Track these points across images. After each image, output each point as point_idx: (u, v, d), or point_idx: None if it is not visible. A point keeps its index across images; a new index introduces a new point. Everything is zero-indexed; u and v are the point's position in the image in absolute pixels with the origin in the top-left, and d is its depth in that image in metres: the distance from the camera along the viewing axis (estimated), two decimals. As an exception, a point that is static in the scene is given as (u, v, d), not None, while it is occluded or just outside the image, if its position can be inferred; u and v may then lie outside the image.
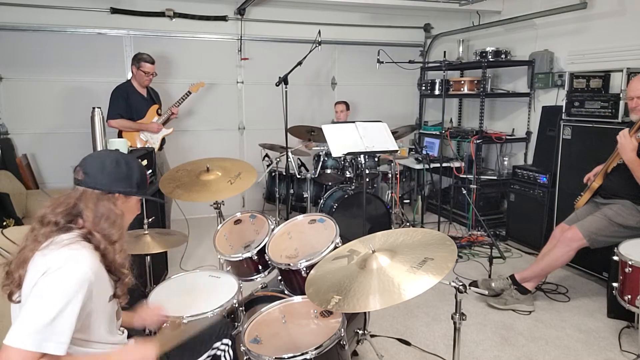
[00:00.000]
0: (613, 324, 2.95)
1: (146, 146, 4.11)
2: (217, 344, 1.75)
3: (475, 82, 4.95)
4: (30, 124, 4.77)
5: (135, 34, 4.97)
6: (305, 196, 4.59)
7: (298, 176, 4.60)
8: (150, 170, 3.45)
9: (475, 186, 4.73)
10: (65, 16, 4.71)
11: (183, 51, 5.17)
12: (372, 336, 2.57)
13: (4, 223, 3.26)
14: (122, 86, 4.18)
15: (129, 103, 4.13)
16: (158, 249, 2.27)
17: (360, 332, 2.28)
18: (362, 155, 3.52)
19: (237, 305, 2.04)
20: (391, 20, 5.85)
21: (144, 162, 3.35)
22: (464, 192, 4.15)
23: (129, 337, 1.60)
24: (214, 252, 2.47)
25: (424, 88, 5.69)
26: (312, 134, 4.62)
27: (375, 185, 4.75)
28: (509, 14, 5.08)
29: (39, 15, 4.62)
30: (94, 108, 3.08)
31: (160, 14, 5.00)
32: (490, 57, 4.81)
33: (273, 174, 4.76)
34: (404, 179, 5.59)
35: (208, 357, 1.71)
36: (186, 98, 4.50)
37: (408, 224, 4.92)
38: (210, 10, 5.15)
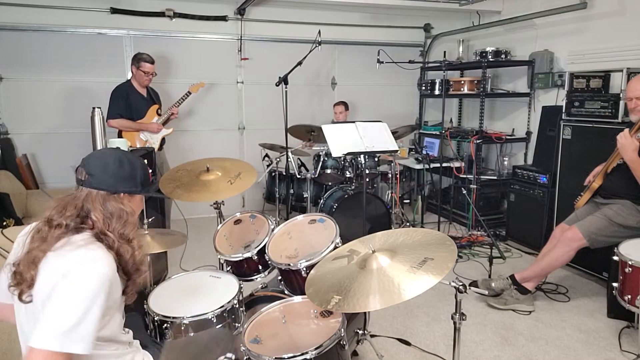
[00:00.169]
0: (613, 324, 2.95)
1: (146, 146, 4.11)
2: (221, 358, 1.75)
3: (475, 82, 4.95)
4: (30, 124, 4.77)
5: (135, 34, 4.97)
6: (305, 196, 4.59)
7: (298, 176, 4.60)
8: (150, 170, 3.45)
9: (475, 186, 4.73)
10: (65, 16, 4.71)
11: (183, 51, 5.17)
12: (372, 336, 2.57)
13: (4, 223, 3.26)
14: (122, 86, 4.18)
15: (128, 103, 4.13)
16: (158, 249, 2.26)
17: (360, 332, 2.28)
18: (362, 155, 3.52)
19: (237, 305, 2.04)
20: (391, 20, 5.85)
21: (144, 162, 3.35)
22: (464, 192, 4.15)
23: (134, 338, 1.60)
24: (214, 252, 2.47)
25: (424, 88, 5.69)
26: (312, 134, 4.62)
27: (375, 185, 4.75)
28: (509, 14, 5.08)
29: (39, 15, 4.62)
30: (94, 108, 3.08)
31: (160, 14, 5.00)
32: (490, 57, 4.81)
33: (273, 174, 4.76)
34: (404, 179, 5.60)
35: None
36: (186, 98, 4.50)
37: (408, 224, 4.92)
38: (210, 10, 5.15)
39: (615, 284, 2.62)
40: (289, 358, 1.64)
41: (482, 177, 4.86)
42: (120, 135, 4.13)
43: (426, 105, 6.04)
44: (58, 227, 1.34)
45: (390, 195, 4.77)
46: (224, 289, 2.08)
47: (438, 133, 5.31)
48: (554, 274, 3.44)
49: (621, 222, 2.88)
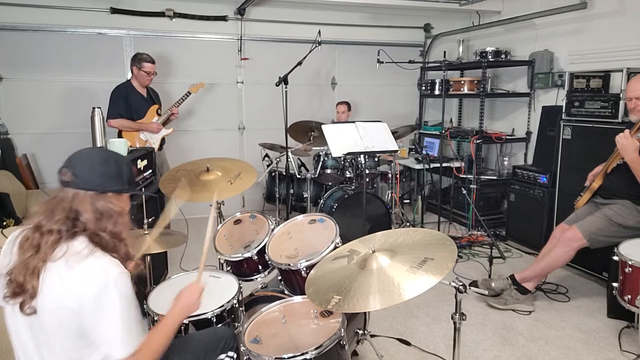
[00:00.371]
0: (613, 324, 2.95)
1: (146, 146, 4.11)
2: (222, 356, 1.74)
3: (475, 82, 4.95)
4: (30, 124, 4.77)
5: (135, 34, 4.97)
6: (305, 196, 4.59)
7: (298, 176, 4.60)
8: (150, 170, 3.45)
9: (475, 186, 4.73)
10: (65, 16, 4.71)
11: (183, 51, 5.17)
12: (372, 336, 2.56)
13: (4, 223, 3.26)
14: (122, 86, 4.18)
15: (128, 103, 4.13)
16: (158, 249, 2.26)
17: (360, 332, 2.28)
18: (362, 155, 3.52)
19: (237, 305, 2.04)
20: (391, 20, 5.85)
21: (144, 162, 3.35)
22: (464, 192, 4.15)
23: None
24: (214, 252, 2.47)
25: (424, 88, 5.69)
26: (312, 133, 4.62)
27: (375, 185, 4.75)
28: (509, 14, 5.08)
29: (39, 15, 4.62)
30: (94, 108, 3.08)
31: (160, 14, 5.00)
32: (490, 57, 4.81)
33: (273, 174, 4.76)
34: (404, 179, 5.59)
35: None
36: (186, 98, 4.50)
37: (408, 224, 4.92)
38: (210, 10, 5.15)
39: (615, 284, 2.62)
40: (289, 358, 1.64)
41: (482, 177, 4.86)
42: (120, 135, 4.13)
43: (426, 105, 6.04)
44: (49, 233, 1.31)
45: (390, 195, 4.77)
46: (224, 289, 2.08)
47: (438, 133, 5.31)
48: (554, 274, 3.43)
49: (621, 222, 2.88)
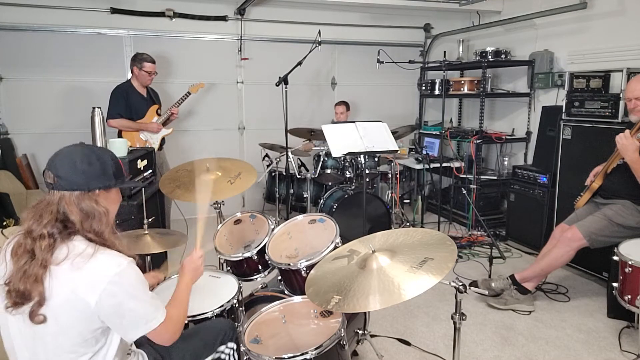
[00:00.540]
0: (613, 324, 2.95)
1: (146, 146, 4.11)
2: (222, 348, 1.74)
3: (475, 82, 4.95)
4: (30, 124, 4.77)
5: (135, 34, 4.97)
6: (305, 196, 4.59)
7: (298, 176, 4.60)
8: (150, 170, 3.45)
9: (475, 186, 4.73)
10: (65, 16, 4.71)
11: (183, 51, 5.16)
12: (372, 336, 2.57)
13: (4, 223, 3.26)
14: (122, 86, 4.18)
15: (128, 103, 4.13)
16: (158, 249, 2.26)
17: (360, 332, 2.28)
18: (362, 155, 3.51)
19: (237, 305, 2.04)
20: (391, 20, 5.85)
21: (144, 162, 3.35)
22: (464, 192, 4.15)
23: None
24: (214, 252, 2.47)
25: (424, 88, 5.69)
26: (312, 134, 4.62)
27: (375, 185, 4.75)
28: (509, 14, 5.08)
29: (39, 15, 4.62)
30: (94, 108, 3.08)
31: (160, 14, 5.00)
32: (490, 57, 4.80)
33: (273, 174, 4.75)
34: (404, 179, 5.59)
35: None
36: (186, 99, 4.50)
37: (408, 224, 4.92)
38: (210, 10, 5.15)
39: (615, 284, 2.63)
40: (289, 358, 1.64)
41: (482, 177, 4.86)
42: (120, 135, 4.13)
43: (426, 105, 6.04)
44: (41, 237, 1.29)
45: (390, 195, 4.77)
46: (224, 289, 2.08)
47: (438, 133, 5.31)
48: (554, 274, 3.44)
49: (621, 222, 2.88)
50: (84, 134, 3.61)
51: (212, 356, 1.72)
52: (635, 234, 2.82)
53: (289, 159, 4.35)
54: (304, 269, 2.11)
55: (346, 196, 4.04)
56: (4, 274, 1.32)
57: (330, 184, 4.47)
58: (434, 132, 5.52)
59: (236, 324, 2.01)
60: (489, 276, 3.48)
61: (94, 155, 1.39)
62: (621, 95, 3.38)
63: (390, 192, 4.77)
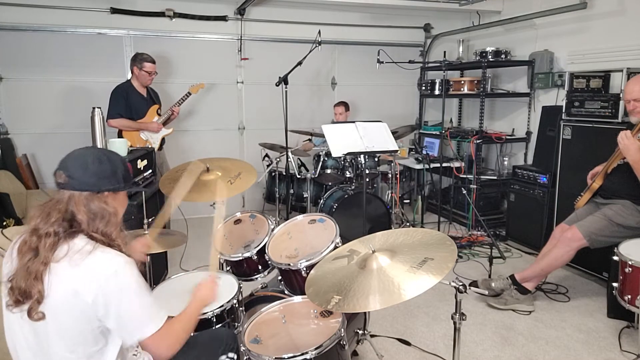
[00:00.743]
0: (613, 324, 2.95)
1: (146, 146, 4.11)
2: (223, 358, 1.74)
3: (475, 82, 4.95)
4: (30, 124, 4.77)
5: (135, 34, 4.97)
6: (305, 196, 4.59)
7: (298, 176, 4.60)
8: (150, 170, 3.45)
9: (475, 186, 4.73)
10: (65, 16, 4.71)
11: (183, 51, 5.16)
12: (372, 336, 2.56)
13: (4, 223, 3.27)
14: (122, 86, 4.18)
15: (128, 103, 4.13)
16: (158, 249, 2.26)
17: (360, 332, 2.28)
18: (362, 155, 3.52)
19: (237, 305, 2.04)
20: (391, 20, 5.85)
21: (144, 162, 3.35)
22: (464, 192, 4.15)
23: None
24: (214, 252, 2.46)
25: (424, 88, 5.69)
26: (312, 135, 4.63)
27: (375, 185, 4.74)
28: (509, 14, 5.08)
29: (39, 15, 4.62)
30: (94, 108, 3.08)
31: (160, 14, 5.01)
32: (490, 57, 4.80)
33: (273, 174, 4.75)
34: (404, 179, 5.59)
35: None
36: (186, 99, 4.50)
37: (408, 224, 4.92)
38: (210, 10, 5.15)
39: (615, 284, 2.63)
40: (289, 358, 1.64)
41: (482, 177, 4.86)
42: (120, 135, 4.13)
43: (426, 105, 6.05)
44: (47, 236, 1.31)
45: (390, 195, 4.77)
46: (224, 289, 2.08)
47: (438, 133, 5.31)
48: (554, 274, 3.43)
49: (621, 222, 2.88)
50: (84, 134, 3.61)
51: None
52: (635, 234, 2.82)
53: (289, 159, 4.35)
54: (304, 269, 2.11)
55: (346, 196, 4.04)
56: (9, 271, 1.34)
57: (330, 184, 4.47)
58: (434, 132, 5.52)
59: (236, 324, 2.01)
60: (489, 276, 3.48)
61: (105, 157, 1.42)
62: (621, 96, 3.37)
63: (390, 192, 4.77)
